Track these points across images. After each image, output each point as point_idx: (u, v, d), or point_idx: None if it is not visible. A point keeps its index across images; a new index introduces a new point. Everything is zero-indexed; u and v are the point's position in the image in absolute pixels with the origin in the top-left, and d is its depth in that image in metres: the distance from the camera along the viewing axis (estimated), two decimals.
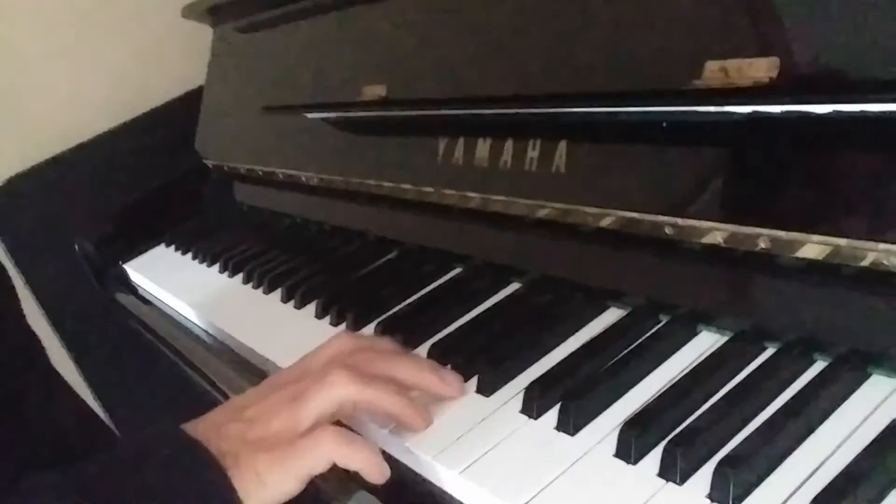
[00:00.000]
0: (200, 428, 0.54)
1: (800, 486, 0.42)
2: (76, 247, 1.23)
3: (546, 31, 0.65)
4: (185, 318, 0.97)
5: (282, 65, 1.11)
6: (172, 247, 1.19)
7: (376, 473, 0.53)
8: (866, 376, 0.47)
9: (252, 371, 0.79)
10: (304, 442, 0.52)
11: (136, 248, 1.23)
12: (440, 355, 0.62)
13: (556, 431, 0.52)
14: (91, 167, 1.36)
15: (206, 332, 0.92)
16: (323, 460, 0.52)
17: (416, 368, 0.58)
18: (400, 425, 0.56)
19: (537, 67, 0.66)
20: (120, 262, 1.21)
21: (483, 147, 0.70)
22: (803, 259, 0.48)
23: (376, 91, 0.84)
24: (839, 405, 0.46)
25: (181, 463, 0.51)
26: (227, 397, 0.84)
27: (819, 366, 0.49)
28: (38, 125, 1.36)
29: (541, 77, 0.65)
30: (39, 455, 0.67)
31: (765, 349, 0.52)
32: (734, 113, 0.49)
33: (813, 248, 0.47)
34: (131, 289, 1.16)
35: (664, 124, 0.54)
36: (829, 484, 0.41)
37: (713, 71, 0.50)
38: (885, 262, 0.45)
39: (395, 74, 0.83)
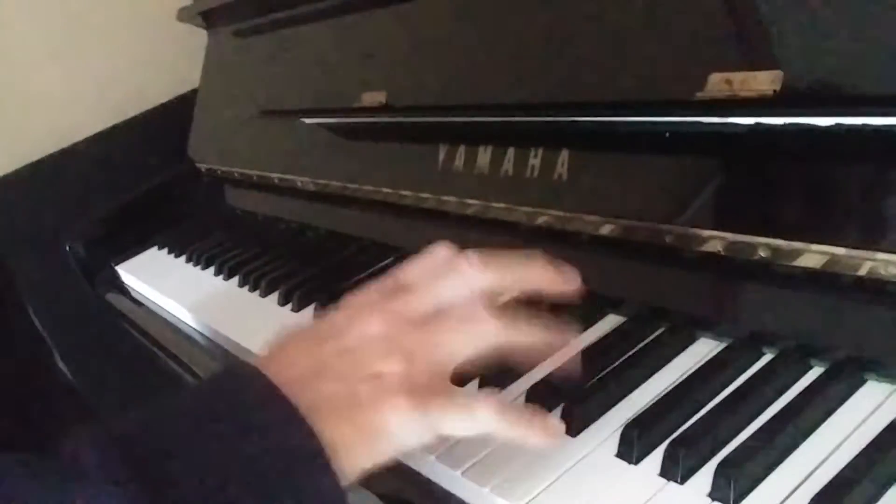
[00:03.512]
0: (288, 370, 0.42)
1: (798, 486, 0.43)
2: (67, 248, 1.23)
3: (551, 39, 0.67)
4: (179, 319, 0.97)
5: (278, 70, 1.12)
6: (165, 249, 1.19)
7: (541, 438, 0.44)
8: (862, 382, 0.48)
9: None
10: (462, 400, 0.43)
11: (127, 250, 1.23)
12: None
13: None
14: (82, 169, 1.36)
15: (199, 333, 0.92)
16: (475, 430, 0.43)
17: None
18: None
19: (541, 76, 0.67)
20: (111, 264, 1.21)
21: (484, 154, 0.71)
22: (801, 268, 0.49)
23: (376, 97, 0.85)
24: (836, 409, 0.47)
25: (259, 427, 0.39)
26: None
27: (816, 371, 0.50)
28: (29, 126, 1.36)
29: (545, 85, 0.66)
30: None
31: (763, 355, 0.53)
32: (737, 124, 0.51)
33: (811, 257, 0.49)
34: (122, 290, 1.16)
35: (667, 134, 0.56)
36: (827, 484, 0.42)
37: (717, 82, 0.52)
38: (881, 271, 0.46)
39: (396, 81, 0.84)
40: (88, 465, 0.36)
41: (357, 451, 0.41)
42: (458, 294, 0.46)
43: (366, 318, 0.45)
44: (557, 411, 0.53)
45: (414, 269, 0.48)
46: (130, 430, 0.38)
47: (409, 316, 0.45)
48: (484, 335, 0.45)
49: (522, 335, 0.46)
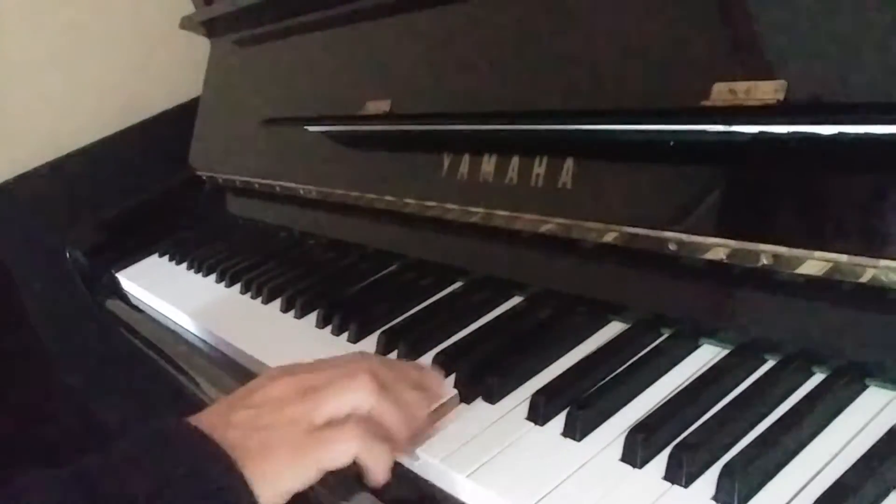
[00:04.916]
0: (205, 419, 0.52)
1: (801, 490, 0.44)
2: (67, 254, 1.23)
3: (556, 48, 0.67)
4: (180, 326, 0.98)
5: (281, 78, 1.13)
6: (166, 257, 1.19)
7: (381, 477, 0.52)
8: (864, 387, 0.49)
9: (250, 378, 0.79)
10: (328, 434, 0.50)
11: (128, 257, 1.23)
12: (445, 364, 0.64)
13: (562, 437, 0.53)
14: (84, 175, 1.36)
15: (201, 340, 0.92)
16: (347, 455, 0.50)
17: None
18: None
19: (546, 84, 0.68)
20: (112, 271, 1.21)
21: (488, 163, 0.72)
22: (804, 275, 0.50)
23: (381, 106, 0.86)
24: (838, 414, 0.48)
25: (188, 458, 0.48)
26: None
27: (818, 377, 0.51)
28: (31, 132, 1.36)
29: (550, 94, 0.67)
30: (42, 460, 0.67)
31: (765, 361, 0.54)
32: (741, 132, 0.51)
33: (814, 264, 0.49)
34: (123, 297, 1.16)
35: (671, 143, 0.56)
36: (830, 489, 0.43)
37: (721, 92, 0.53)
38: (883, 277, 0.47)
39: (401, 89, 0.85)
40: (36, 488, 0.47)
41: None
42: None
43: (270, 383, 0.54)
44: (561, 416, 0.54)
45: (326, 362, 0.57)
46: (83, 466, 0.48)
47: (304, 383, 0.53)
48: (358, 396, 0.53)
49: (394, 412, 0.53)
